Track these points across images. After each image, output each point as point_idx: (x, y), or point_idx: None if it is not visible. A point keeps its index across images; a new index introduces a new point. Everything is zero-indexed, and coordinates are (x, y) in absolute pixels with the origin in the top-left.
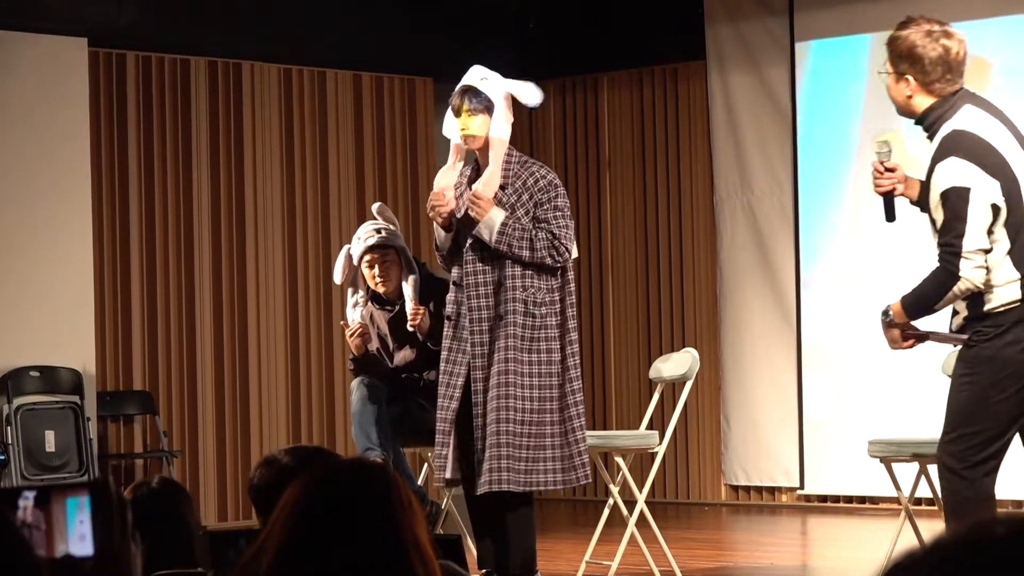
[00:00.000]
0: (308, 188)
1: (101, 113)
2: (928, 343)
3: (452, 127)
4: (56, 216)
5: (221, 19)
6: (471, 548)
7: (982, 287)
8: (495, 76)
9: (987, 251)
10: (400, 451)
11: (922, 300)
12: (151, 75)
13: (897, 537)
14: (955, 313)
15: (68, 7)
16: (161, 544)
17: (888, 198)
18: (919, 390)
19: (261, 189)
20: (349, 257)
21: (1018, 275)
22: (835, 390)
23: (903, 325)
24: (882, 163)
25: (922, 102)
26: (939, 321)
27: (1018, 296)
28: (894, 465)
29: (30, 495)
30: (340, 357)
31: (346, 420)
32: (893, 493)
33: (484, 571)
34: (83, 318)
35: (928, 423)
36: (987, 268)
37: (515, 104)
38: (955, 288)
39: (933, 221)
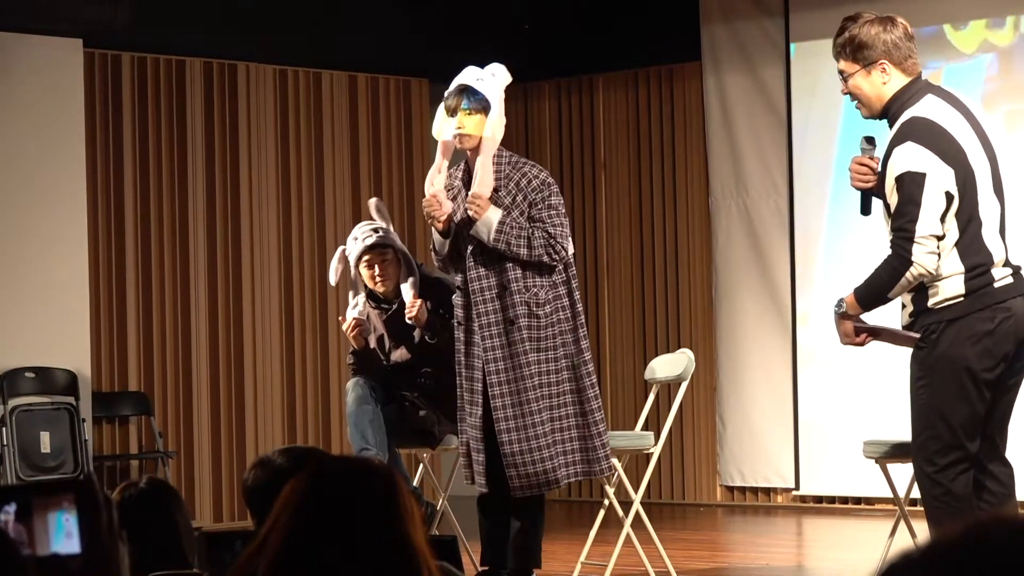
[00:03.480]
0: (304, 189)
1: (96, 114)
2: (882, 343)
3: (444, 126)
4: (51, 217)
5: (216, 20)
6: (467, 549)
7: (933, 273)
8: (489, 76)
9: (940, 238)
10: (395, 452)
11: (875, 289)
12: (146, 76)
13: (892, 538)
14: (903, 307)
15: (63, 8)
16: (150, 545)
17: (866, 193)
18: None
19: (256, 190)
20: (344, 259)
21: (963, 268)
22: (830, 391)
23: (855, 318)
24: (871, 158)
25: (895, 85)
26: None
27: (961, 291)
28: (889, 466)
29: (18, 494)
30: (336, 357)
31: (341, 421)
32: (888, 494)
33: (483, 569)
34: (78, 319)
35: None
36: (939, 255)
37: (507, 106)
38: (907, 274)
39: (887, 206)
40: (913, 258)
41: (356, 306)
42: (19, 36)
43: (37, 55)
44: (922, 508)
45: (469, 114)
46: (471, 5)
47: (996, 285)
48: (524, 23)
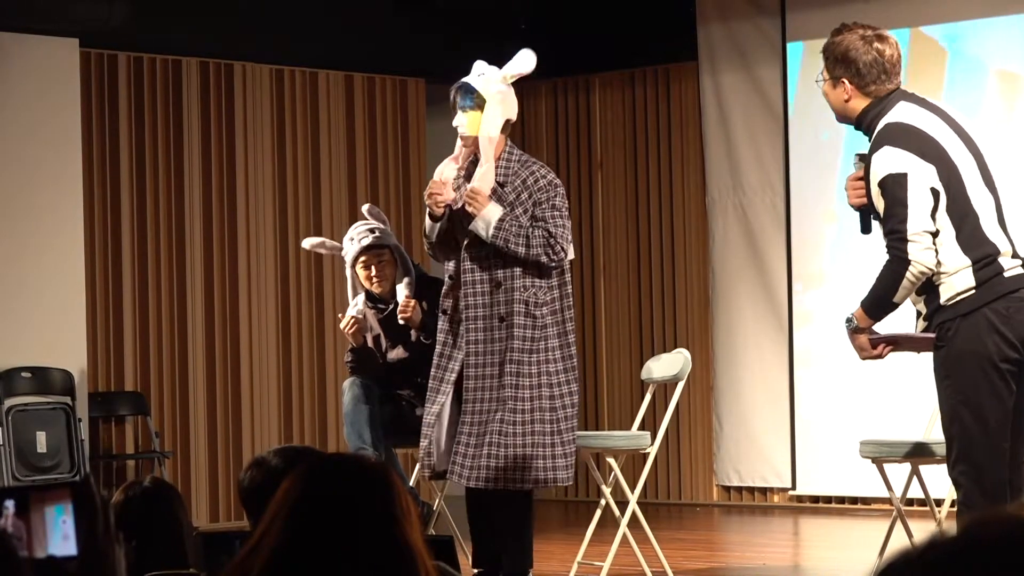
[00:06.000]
0: (300, 188)
1: (93, 114)
2: (902, 352)
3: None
4: (48, 217)
5: (213, 19)
6: (464, 549)
7: (934, 269)
8: (492, 71)
9: (933, 233)
10: (392, 451)
11: (880, 296)
12: (143, 76)
13: (888, 538)
14: (918, 315)
15: (59, 8)
16: (152, 545)
17: (864, 211)
18: (911, 391)
19: (253, 189)
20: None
21: (969, 261)
22: (827, 390)
23: (868, 330)
24: (860, 176)
25: (859, 104)
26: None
27: (971, 283)
28: (886, 466)
29: (15, 495)
30: (332, 357)
31: (338, 420)
32: (885, 494)
33: (477, 571)
34: (75, 319)
35: (920, 424)
36: (936, 250)
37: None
38: (908, 275)
39: (878, 216)
40: (910, 257)
41: (356, 306)
42: (15, 36)
43: (33, 55)
44: (919, 508)
45: (464, 111)
46: (467, 5)
47: (1006, 275)
48: (520, 22)
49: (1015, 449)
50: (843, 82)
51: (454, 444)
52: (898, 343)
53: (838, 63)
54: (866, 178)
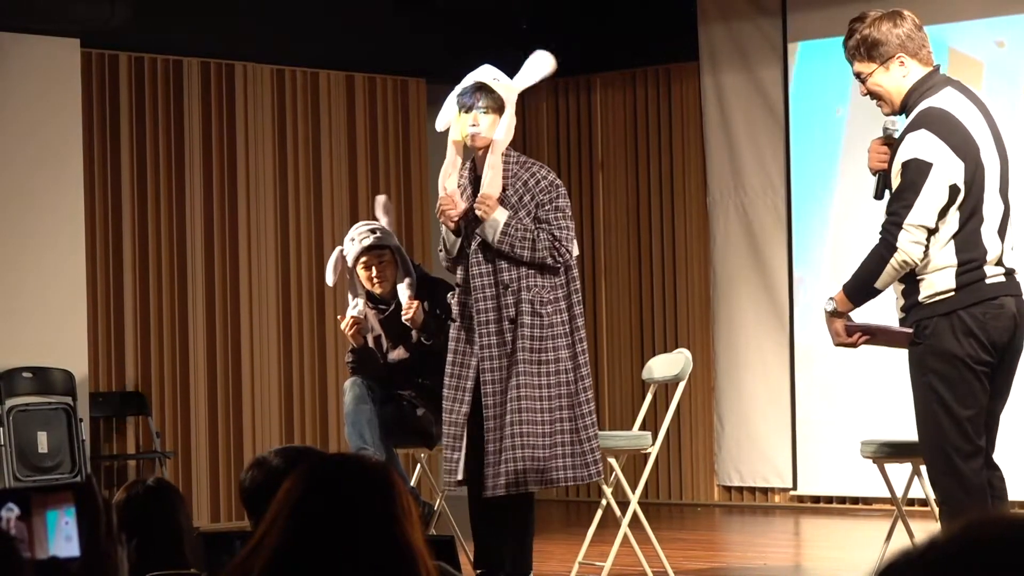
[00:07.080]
0: (301, 188)
1: (94, 114)
2: (876, 346)
3: (456, 124)
4: (49, 217)
5: (213, 20)
6: (464, 549)
7: (919, 264)
8: (505, 78)
9: (931, 231)
10: (393, 452)
11: (862, 279)
12: (144, 76)
13: (890, 538)
14: (896, 301)
15: (60, 8)
16: (154, 544)
17: (882, 176)
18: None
19: (254, 190)
20: (343, 258)
21: (956, 262)
22: (828, 391)
23: (846, 316)
24: (885, 141)
25: (915, 75)
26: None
27: (952, 285)
28: (887, 466)
29: (17, 496)
30: (333, 357)
31: (339, 420)
32: (886, 494)
33: (479, 572)
34: (76, 319)
35: None
36: (926, 247)
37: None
38: (892, 261)
39: (891, 190)
40: (898, 244)
41: (356, 307)
42: (17, 36)
43: (35, 55)
44: (920, 508)
45: (485, 113)
46: (469, 5)
47: (987, 281)
48: (521, 23)
49: (990, 449)
50: (898, 57)
51: (484, 456)
52: (874, 335)
53: (879, 45)
54: (893, 153)
